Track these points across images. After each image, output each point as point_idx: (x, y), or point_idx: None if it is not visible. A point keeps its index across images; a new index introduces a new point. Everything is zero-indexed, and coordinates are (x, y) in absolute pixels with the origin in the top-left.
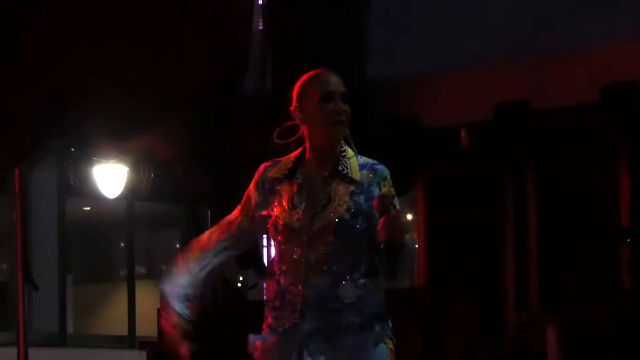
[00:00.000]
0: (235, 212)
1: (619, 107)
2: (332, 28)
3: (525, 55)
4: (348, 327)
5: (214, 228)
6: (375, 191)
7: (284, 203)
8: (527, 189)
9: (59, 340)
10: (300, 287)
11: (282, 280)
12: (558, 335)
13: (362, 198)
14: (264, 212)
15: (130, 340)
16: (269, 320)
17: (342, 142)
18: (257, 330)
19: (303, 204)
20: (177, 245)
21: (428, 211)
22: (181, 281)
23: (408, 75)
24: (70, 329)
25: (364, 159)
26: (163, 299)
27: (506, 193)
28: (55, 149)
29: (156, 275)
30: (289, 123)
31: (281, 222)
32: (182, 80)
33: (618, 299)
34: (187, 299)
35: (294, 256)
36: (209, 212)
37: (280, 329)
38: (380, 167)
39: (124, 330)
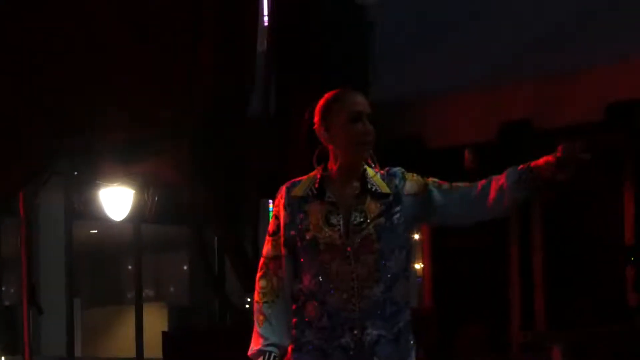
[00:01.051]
0: (270, 250)
1: (623, 126)
2: (336, 49)
3: (528, 75)
4: (406, 327)
5: (264, 292)
6: (401, 185)
7: (320, 223)
8: (532, 209)
9: None
10: (355, 302)
11: (329, 299)
12: (564, 354)
13: (394, 207)
14: (292, 232)
15: None
16: (309, 338)
17: None
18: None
19: (342, 222)
20: (185, 267)
21: (433, 233)
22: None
23: (412, 95)
24: (78, 352)
25: (377, 173)
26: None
27: (511, 214)
28: (61, 171)
29: (164, 297)
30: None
31: (322, 242)
32: (186, 102)
33: (624, 318)
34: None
35: (345, 273)
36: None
37: (330, 349)
38: (393, 169)
39: (132, 353)
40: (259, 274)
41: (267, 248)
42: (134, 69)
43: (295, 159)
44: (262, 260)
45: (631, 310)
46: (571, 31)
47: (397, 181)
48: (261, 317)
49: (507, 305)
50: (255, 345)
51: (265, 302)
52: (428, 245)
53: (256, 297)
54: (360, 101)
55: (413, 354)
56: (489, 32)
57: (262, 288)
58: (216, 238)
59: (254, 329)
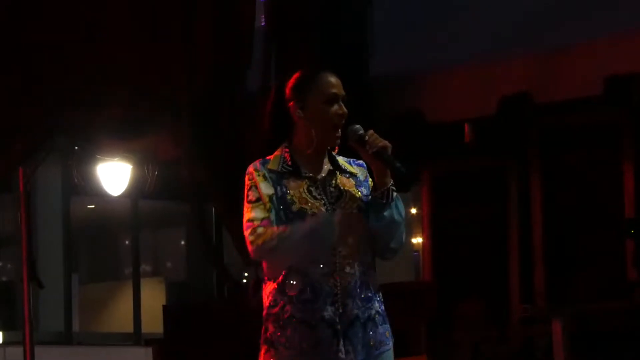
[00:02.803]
0: (256, 213)
1: (622, 100)
2: (335, 24)
3: (528, 49)
4: (376, 317)
5: (266, 231)
6: (368, 184)
7: (304, 195)
8: (532, 183)
9: (65, 338)
10: (337, 278)
11: (311, 272)
12: (563, 329)
13: (363, 190)
14: (279, 205)
15: (136, 338)
16: (292, 312)
17: None
18: (260, 326)
19: (323, 196)
20: (182, 243)
21: (433, 207)
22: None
23: (411, 70)
24: (76, 327)
25: (342, 157)
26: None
27: (511, 188)
28: (59, 147)
29: (161, 272)
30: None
31: (309, 212)
32: (185, 79)
33: (624, 293)
34: None
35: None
36: (213, 210)
37: (314, 321)
38: (359, 161)
39: (129, 328)
40: (250, 233)
41: (254, 213)
42: (133, 46)
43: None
44: (250, 225)
45: (631, 284)
46: (570, 5)
47: (366, 173)
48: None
49: (506, 279)
50: (305, 228)
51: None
52: (427, 220)
53: (265, 238)
54: (335, 83)
55: (389, 343)
56: (488, 7)
57: (263, 233)
58: (214, 213)
59: (291, 232)
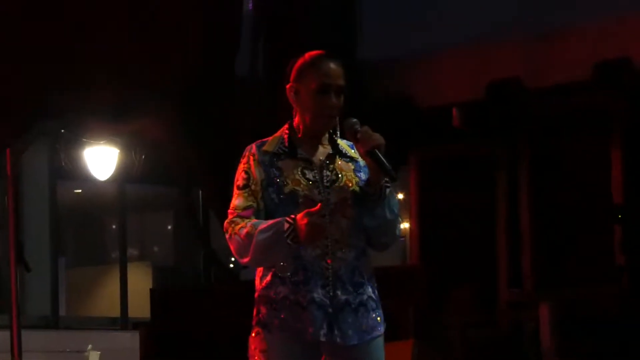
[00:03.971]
0: (240, 201)
1: (611, 84)
2: (323, 9)
3: (516, 34)
4: (368, 302)
5: (240, 222)
6: (368, 170)
7: (297, 177)
8: (520, 168)
9: (52, 322)
10: (329, 261)
11: (303, 253)
12: (551, 313)
13: (362, 175)
14: (270, 187)
15: (123, 322)
16: (285, 294)
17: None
18: (248, 309)
19: (317, 178)
20: (169, 227)
21: (421, 192)
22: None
23: (400, 55)
24: (62, 312)
25: (345, 141)
26: (275, 241)
27: (499, 173)
28: (46, 131)
29: (148, 257)
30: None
31: (301, 194)
32: (173, 62)
33: (611, 277)
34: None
35: (318, 206)
36: (200, 194)
37: (305, 303)
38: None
39: (116, 312)
40: (228, 222)
41: (237, 201)
42: (121, 29)
43: (286, 119)
44: (231, 212)
45: (618, 269)
46: None
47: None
48: (249, 224)
49: (494, 264)
50: (268, 232)
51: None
52: (415, 205)
53: (235, 230)
54: (332, 72)
55: (380, 328)
56: None
57: (238, 223)
58: (201, 197)
59: (253, 240)
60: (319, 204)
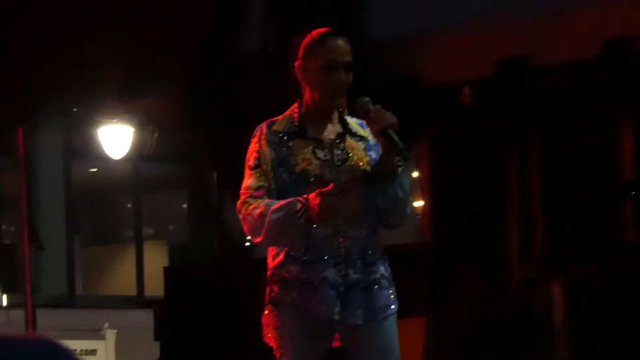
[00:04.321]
0: (252, 181)
1: (620, 62)
2: None
3: (524, 12)
4: (381, 281)
5: (253, 203)
6: (378, 148)
7: (308, 156)
8: (530, 145)
9: (68, 301)
10: (341, 240)
11: (314, 232)
12: (563, 290)
13: (373, 153)
14: (280, 168)
15: (138, 301)
16: (297, 273)
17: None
18: (261, 287)
19: (328, 157)
20: (184, 206)
21: (432, 170)
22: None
23: (408, 33)
24: (78, 290)
25: (355, 119)
26: (283, 219)
27: (509, 150)
28: (60, 110)
29: (164, 235)
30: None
31: (312, 173)
32: (182, 41)
33: (623, 253)
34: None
35: (331, 186)
36: (215, 173)
37: (317, 282)
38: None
39: (132, 291)
40: (240, 202)
41: (249, 181)
42: (131, 9)
43: (295, 97)
44: (243, 192)
45: (630, 245)
46: None
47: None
48: (262, 204)
49: (506, 241)
50: (281, 212)
51: (261, 202)
52: (427, 182)
53: (248, 210)
54: (340, 49)
55: (393, 306)
56: None
57: (251, 204)
58: (216, 175)
59: (266, 219)
60: (331, 184)
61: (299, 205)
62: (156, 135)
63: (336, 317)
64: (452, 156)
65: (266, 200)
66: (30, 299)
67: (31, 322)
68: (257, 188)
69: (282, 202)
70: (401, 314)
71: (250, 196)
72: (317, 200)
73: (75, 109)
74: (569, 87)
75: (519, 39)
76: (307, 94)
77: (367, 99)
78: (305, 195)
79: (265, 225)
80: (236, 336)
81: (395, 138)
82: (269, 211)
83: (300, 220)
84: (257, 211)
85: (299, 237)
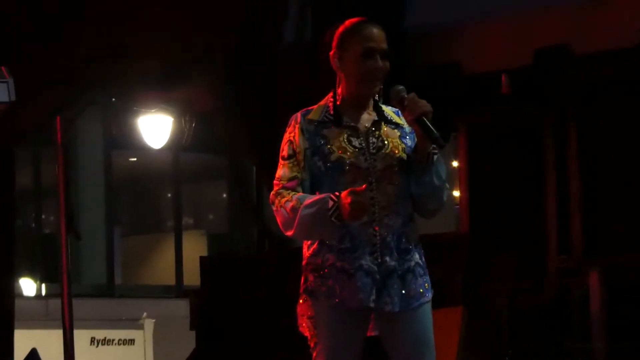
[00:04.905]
0: (287, 173)
1: None
2: None
3: (565, 0)
4: (415, 269)
5: (286, 195)
6: (414, 135)
7: (343, 144)
8: (569, 135)
9: (107, 291)
10: (376, 228)
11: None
12: (600, 280)
13: (408, 141)
14: (315, 156)
15: (177, 290)
16: (332, 261)
17: None
18: (297, 277)
19: (364, 145)
20: (224, 196)
21: (470, 159)
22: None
23: (447, 21)
24: (118, 280)
25: (390, 107)
26: (318, 215)
27: (548, 140)
28: (96, 100)
29: (203, 225)
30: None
31: (348, 161)
32: (220, 31)
33: None
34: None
35: (364, 187)
36: (253, 163)
37: (352, 270)
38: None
39: (171, 280)
40: (274, 193)
41: (282, 171)
42: None
43: (330, 88)
44: (277, 183)
45: None
46: None
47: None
48: (295, 198)
49: (544, 231)
50: (312, 208)
51: (294, 195)
52: (465, 172)
53: (281, 202)
54: (376, 36)
55: (428, 294)
56: None
57: (284, 196)
58: (254, 166)
59: (298, 214)
60: (364, 185)
61: (330, 203)
62: (194, 125)
63: (372, 305)
64: (491, 146)
65: (299, 194)
66: (67, 289)
67: (68, 312)
68: (290, 179)
69: (315, 197)
70: (437, 303)
71: (283, 187)
72: (349, 199)
73: (114, 99)
74: (609, 77)
75: (559, 27)
76: (343, 82)
77: (402, 87)
78: (337, 193)
79: (297, 220)
80: (271, 326)
81: (430, 126)
82: (302, 206)
83: (331, 219)
84: (290, 205)
85: (331, 233)
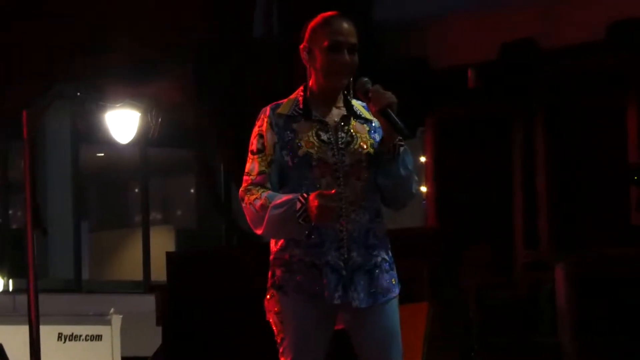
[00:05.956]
0: (255, 167)
1: (626, 45)
2: None
3: None
4: (382, 264)
5: (255, 193)
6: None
7: (311, 139)
8: (536, 129)
9: (75, 286)
10: (343, 223)
11: None
12: (566, 275)
13: (377, 136)
14: (283, 151)
15: (145, 285)
16: (300, 256)
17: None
18: (265, 272)
19: (332, 140)
20: (192, 191)
21: (437, 154)
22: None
23: (414, 16)
24: (85, 275)
25: (360, 102)
26: (286, 215)
27: (515, 134)
28: (67, 94)
29: (171, 220)
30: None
31: (315, 156)
32: (189, 25)
33: (628, 238)
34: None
35: (333, 192)
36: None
37: (320, 265)
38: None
39: (139, 276)
40: (243, 189)
41: (251, 166)
42: None
43: (301, 81)
44: (246, 178)
45: (635, 230)
46: None
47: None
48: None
49: (511, 226)
50: (281, 208)
51: (263, 192)
52: (432, 167)
53: (250, 200)
54: (345, 31)
55: (395, 290)
56: None
57: (253, 193)
58: (223, 160)
59: (267, 213)
60: (334, 190)
61: (298, 205)
62: (159, 119)
63: (337, 302)
64: (458, 140)
65: (268, 192)
66: (34, 284)
67: (34, 307)
68: (259, 173)
69: (284, 197)
70: (404, 298)
71: (252, 183)
72: (316, 203)
73: (80, 93)
74: (576, 70)
75: (525, 21)
76: (312, 76)
77: (367, 79)
78: (305, 195)
79: (266, 219)
80: (238, 321)
81: (395, 117)
82: (270, 205)
83: (299, 220)
84: (259, 203)
85: (299, 232)
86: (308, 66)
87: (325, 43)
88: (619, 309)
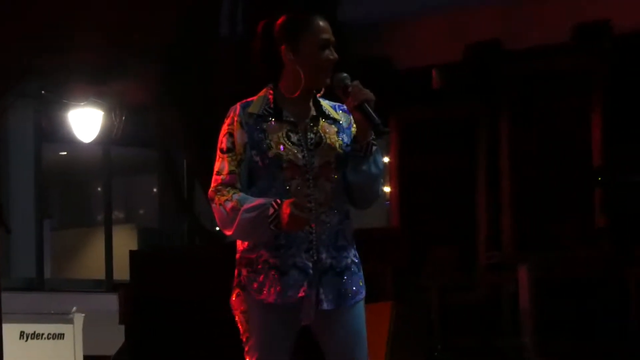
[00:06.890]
0: (225, 167)
1: (591, 47)
2: None
3: None
4: (351, 266)
5: (226, 194)
6: (351, 131)
7: (281, 140)
8: (500, 130)
9: (37, 284)
10: (312, 225)
11: None
12: (529, 276)
13: (345, 137)
14: (253, 151)
15: (107, 284)
16: (265, 257)
17: None
18: (229, 271)
19: (302, 142)
20: (155, 190)
21: (401, 155)
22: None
23: (379, 17)
24: (47, 274)
25: (328, 101)
26: (256, 219)
27: (479, 135)
28: (28, 92)
29: (133, 219)
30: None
31: (285, 158)
32: (156, 24)
33: (591, 239)
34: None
35: (302, 194)
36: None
37: (285, 268)
38: (345, 106)
39: (101, 274)
40: (213, 190)
41: (221, 165)
42: None
43: (259, 80)
44: (215, 177)
45: (598, 232)
46: None
47: (350, 119)
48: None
49: (474, 226)
50: (252, 212)
51: (234, 194)
52: (396, 168)
53: (221, 201)
54: (327, 29)
55: (363, 292)
56: None
57: (224, 194)
58: (185, 161)
59: (238, 216)
60: (306, 201)
61: (271, 210)
62: (123, 118)
63: (304, 303)
64: (422, 141)
65: (239, 194)
66: None
67: None
68: (229, 173)
69: (256, 201)
70: (368, 298)
71: (222, 183)
72: (288, 211)
73: (43, 92)
74: (540, 72)
75: (490, 22)
76: (289, 75)
77: (345, 74)
78: (279, 201)
79: (237, 222)
80: (202, 321)
81: (372, 113)
82: (242, 209)
83: (270, 226)
84: (230, 205)
85: (269, 237)
86: (289, 66)
87: (315, 42)
88: (581, 310)
